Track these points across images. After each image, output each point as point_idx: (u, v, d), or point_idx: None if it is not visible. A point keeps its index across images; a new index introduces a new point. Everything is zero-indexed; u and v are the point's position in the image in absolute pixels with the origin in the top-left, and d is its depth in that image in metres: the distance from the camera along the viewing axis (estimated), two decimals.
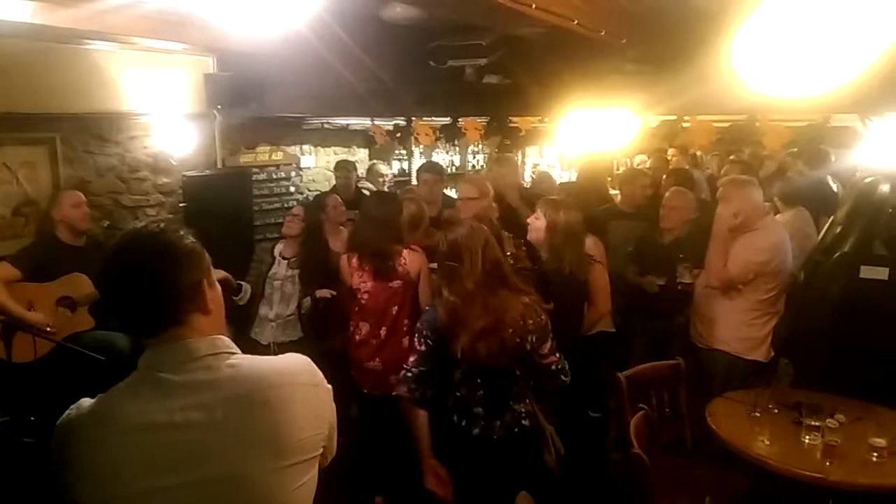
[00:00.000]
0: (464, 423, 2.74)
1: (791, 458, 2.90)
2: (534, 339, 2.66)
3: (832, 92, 2.17)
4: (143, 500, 1.25)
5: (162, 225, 1.38)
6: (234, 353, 1.38)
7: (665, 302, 4.27)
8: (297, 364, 1.45)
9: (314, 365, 1.48)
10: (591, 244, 3.95)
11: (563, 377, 2.78)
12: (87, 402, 1.35)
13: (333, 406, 1.50)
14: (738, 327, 3.86)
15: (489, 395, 2.71)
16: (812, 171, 5.78)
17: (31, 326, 3.69)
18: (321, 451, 1.42)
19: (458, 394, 2.75)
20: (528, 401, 2.80)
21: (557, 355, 2.75)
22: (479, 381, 2.70)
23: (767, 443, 3.04)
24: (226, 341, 1.39)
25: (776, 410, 3.28)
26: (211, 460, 1.28)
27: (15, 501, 3.15)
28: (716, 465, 3.38)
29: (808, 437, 2.98)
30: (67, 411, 1.35)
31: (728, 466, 3.28)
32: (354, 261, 3.70)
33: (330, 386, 1.50)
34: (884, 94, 3.47)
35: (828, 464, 2.83)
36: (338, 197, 5.22)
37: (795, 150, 6.07)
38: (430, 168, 5.09)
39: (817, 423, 2.98)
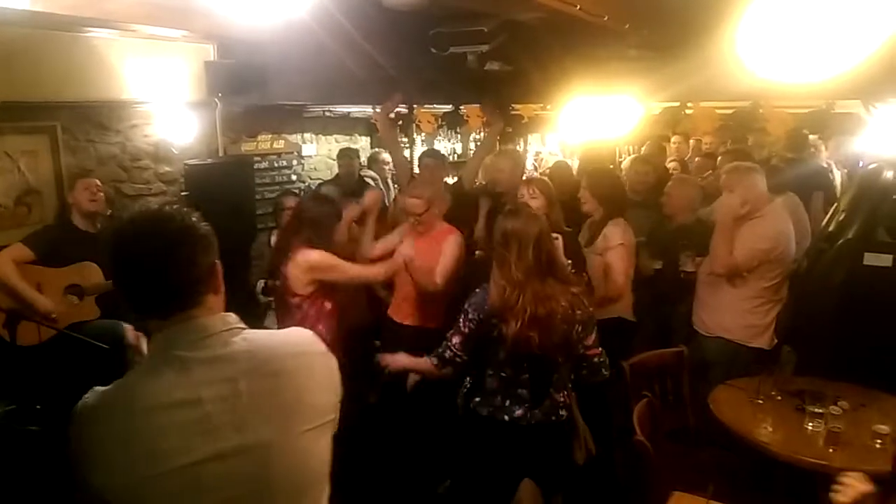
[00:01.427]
0: (507, 403, 2.76)
1: (794, 445, 2.91)
2: (580, 329, 2.70)
3: (836, 78, 2.16)
4: (180, 476, 1.28)
5: (175, 207, 1.41)
6: (244, 329, 1.43)
7: (665, 289, 4.27)
8: (305, 335, 1.54)
9: (317, 337, 1.55)
10: (620, 230, 3.94)
11: (603, 370, 2.83)
12: (101, 389, 1.35)
13: (339, 374, 1.56)
14: (741, 315, 3.86)
15: (533, 379, 2.74)
16: (794, 154, 5.81)
17: (36, 313, 3.71)
18: (335, 416, 1.49)
19: (502, 374, 2.77)
20: (566, 392, 2.82)
21: (600, 349, 2.79)
22: (525, 364, 2.73)
23: (770, 430, 3.05)
24: (234, 317, 1.43)
25: (779, 398, 3.29)
26: (241, 430, 1.33)
27: (21, 489, 3.17)
28: (719, 452, 3.38)
29: (811, 423, 2.99)
30: (83, 400, 1.35)
31: (731, 453, 3.29)
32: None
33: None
34: (888, 79, 3.44)
35: (831, 451, 2.85)
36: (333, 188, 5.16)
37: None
38: (432, 154, 5.12)
39: (820, 410, 2.99)
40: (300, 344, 1.50)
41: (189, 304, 1.36)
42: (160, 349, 1.36)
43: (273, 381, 1.38)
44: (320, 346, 1.52)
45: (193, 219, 1.39)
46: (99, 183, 4.30)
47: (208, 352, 1.35)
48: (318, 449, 1.44)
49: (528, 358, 2.70)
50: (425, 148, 8.00)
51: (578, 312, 2.69)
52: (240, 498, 1.34)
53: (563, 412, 2.80)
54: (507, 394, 2.77)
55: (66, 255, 4.02)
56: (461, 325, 2.80)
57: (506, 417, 2.76)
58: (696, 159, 6.66)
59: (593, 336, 2.76)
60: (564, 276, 2.77)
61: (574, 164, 7.11)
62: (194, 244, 1.36)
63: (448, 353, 2.82)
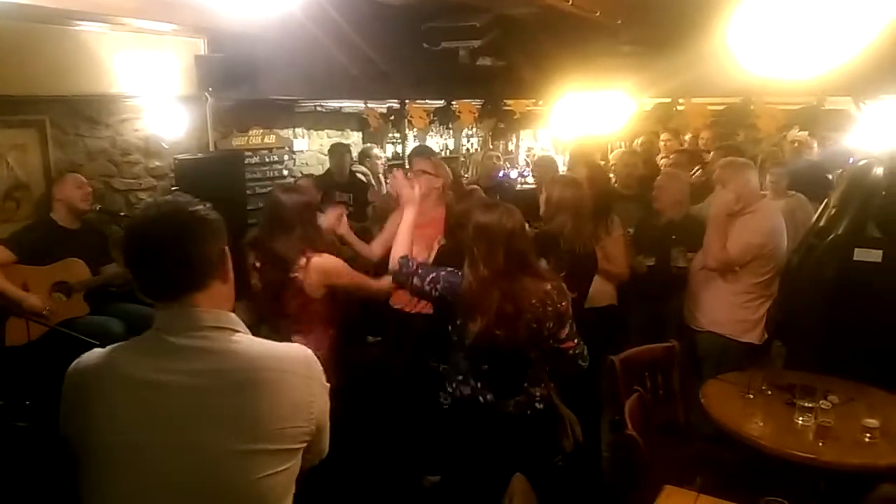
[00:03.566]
0: (479, 386, 2.74)
1: (784, 439, 2.92)
2: (551, 325, 2.66)
3: (827, 74, 2.17)
4: (124, 452, 1.34)
5: (185, 196, 1.48)
6: (237, 331, 1.44)
7: (658, 284, 4.28)
8: (297, 354, 1.48)
9: (317, 360, 1.50)
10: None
11: (580, 361, 2.79)
12: (97, 351, 1.45)
13: (327, 403, 1.50)
14: (732, 310, 3.88)
15: (505, 373, 2.72)
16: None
17: (25, 311, 3.68)
18: (304, 445, 1.43)
19: (470, 362, 2.76)
20: (543, 385, 2.80)
21: (576, 341, 2.75)
22: (487, 356, 2.70)
23: (761, 424, 3.06)
24: (233, 318, 1.46)
25: (769, 392, 3.30)
26: (183, 426, 1.34)
27: (8, 486, 3.15)
28: (709, 446, 3.40)
29: (800, 418, 3.01)
30: (80, 358, 1.46)
31: (721, 447, 3.31)
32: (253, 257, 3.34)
33: (327, 384, 1.51)
34: (878, 76, 3.46)
35: (820, 444, 2.86)
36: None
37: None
38: (423, 151, 5.13)
39: (810, 405, 3.00)
40: (288, 362, 1.44)
41: (197, 286, 1.40)
42: (154, 328, 1.42)
43: (236, 390, 1.35)
44: (309, 370, 1.46)
45: (202, 206, 1.44)
46: (86, 181, 4.30)
47: (191, 342, 1.38)
48: (261, 475, 1.34)
49: (494, 351, 2.67)
50: (417, 143, 8.00)
51: (549, 309, 2.64)
52: (180, 487, 1.33)
53: (539, 405, 2.77)
54: (475, 378, 2.76)
55: (49, 253, 3.98)
56: (427, 284, 2.78)
57: (480, 399, 2.75)
58: (672, 155, 6.62)
59: (566, 330, 2.71)
60: (539, 273, 2.72)
61: (564, 160, 7.13)
62: (203, 229, 1.41)
63: (408, 277, 2.85)
